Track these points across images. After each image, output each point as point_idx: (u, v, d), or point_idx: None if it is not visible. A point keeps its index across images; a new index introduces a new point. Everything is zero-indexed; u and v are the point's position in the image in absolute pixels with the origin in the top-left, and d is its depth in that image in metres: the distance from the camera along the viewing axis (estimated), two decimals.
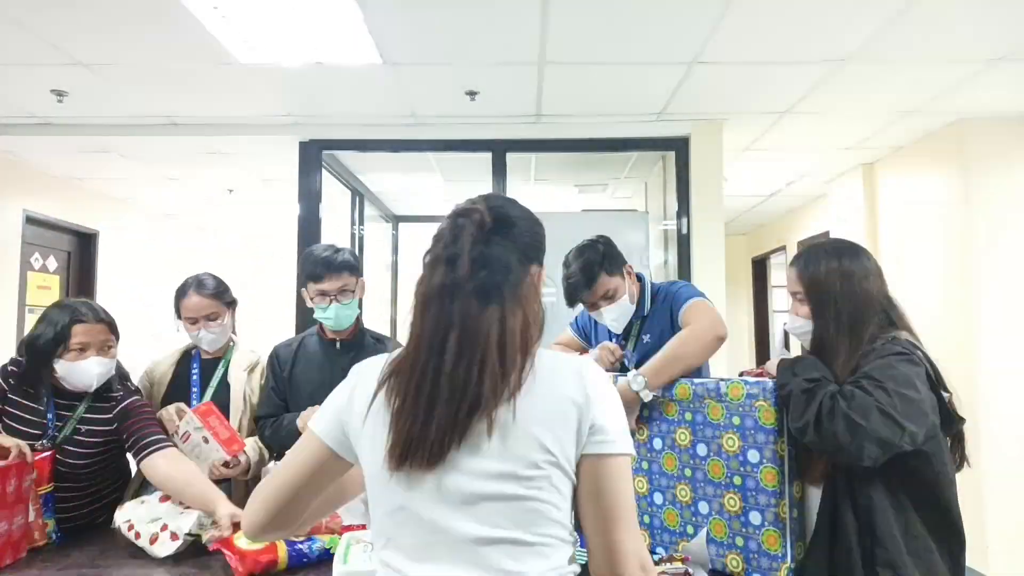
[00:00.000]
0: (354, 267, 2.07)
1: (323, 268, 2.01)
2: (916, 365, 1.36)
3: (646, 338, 2.07)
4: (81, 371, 1.79)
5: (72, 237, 5.13)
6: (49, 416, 1.81)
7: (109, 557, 1.66)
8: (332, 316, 2.04)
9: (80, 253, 5.21)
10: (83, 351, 1.79)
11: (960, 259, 3.79)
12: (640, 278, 2.11)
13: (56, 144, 4.07)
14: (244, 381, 2.12)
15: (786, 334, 2.16)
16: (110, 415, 1.88)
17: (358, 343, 2.15)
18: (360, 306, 2.13)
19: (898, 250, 4.40)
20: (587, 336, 2.32)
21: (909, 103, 3.57)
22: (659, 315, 2.06)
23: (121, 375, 1.96)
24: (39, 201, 4.67)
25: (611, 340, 2.12)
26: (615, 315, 2.04)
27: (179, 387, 2.11)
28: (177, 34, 2.74)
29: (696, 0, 2.50)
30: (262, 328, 3.39)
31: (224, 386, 2.11)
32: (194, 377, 2.11)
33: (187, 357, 2.18)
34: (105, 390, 1.88)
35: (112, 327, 1.88)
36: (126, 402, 1.89)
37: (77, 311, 1.82)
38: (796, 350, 1.85)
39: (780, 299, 7.08)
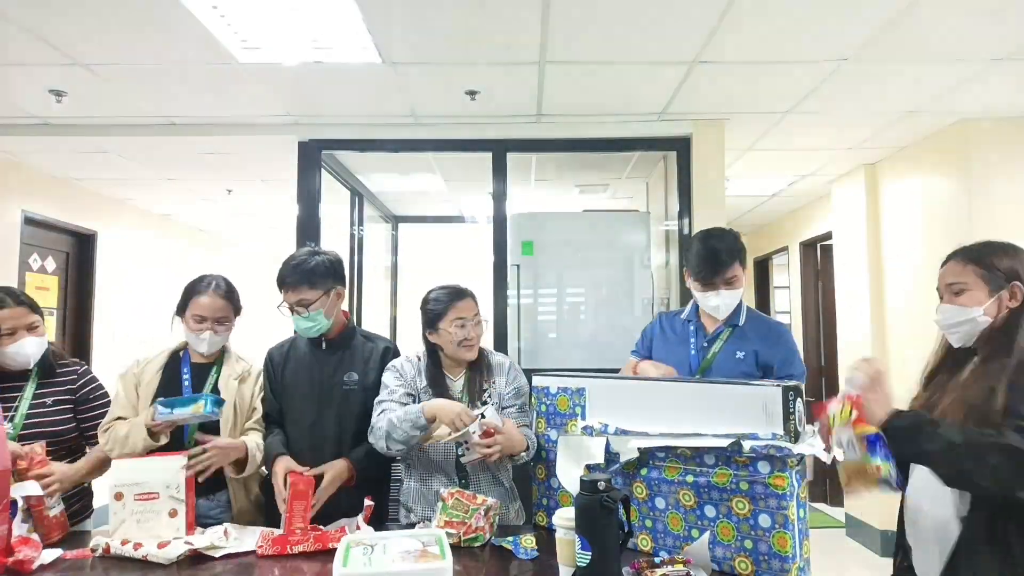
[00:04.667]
0: (316, 280, 2.01)
1: (288, 278, 2.02)
2: None
3: (740, 354, 2.08)
4: (15, 352, 1.92)
5: (71, 238, 5.10)
6: None
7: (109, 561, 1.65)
8: (296, 327, 2.07)
9: (79, 254, 5.18)
10: (12, 334, 1.93)
11: None
12: None
13: (55, 144, 4.05)
14: (235, 391, 2.05)
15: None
16: (71, 387, 2.05)
17: (346, 342, 2.15)
18: (354, 307, 2.12)
19: (900, 250, 4.37)
20: (649, 350, 2.30)
21: (911, 103, 3.56)
22: (754, 339, 2.10)
23: (55, 353, 2.08)
24: (38, 202, 4.65)
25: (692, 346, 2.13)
26: (728, 301, 2.12)
27: (169, 392, 2.01)
28: (176, 34, 2.72)
29: None
30: (261, 330, 3.37)
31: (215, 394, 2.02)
32: (185, 383, 2.04)
33: (175, 360, 2.09)
34: (54, 369, 2.03)
35: (33, 307, 2.00)
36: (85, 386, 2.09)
37: None
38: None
39: (782, 300, 7.05)
